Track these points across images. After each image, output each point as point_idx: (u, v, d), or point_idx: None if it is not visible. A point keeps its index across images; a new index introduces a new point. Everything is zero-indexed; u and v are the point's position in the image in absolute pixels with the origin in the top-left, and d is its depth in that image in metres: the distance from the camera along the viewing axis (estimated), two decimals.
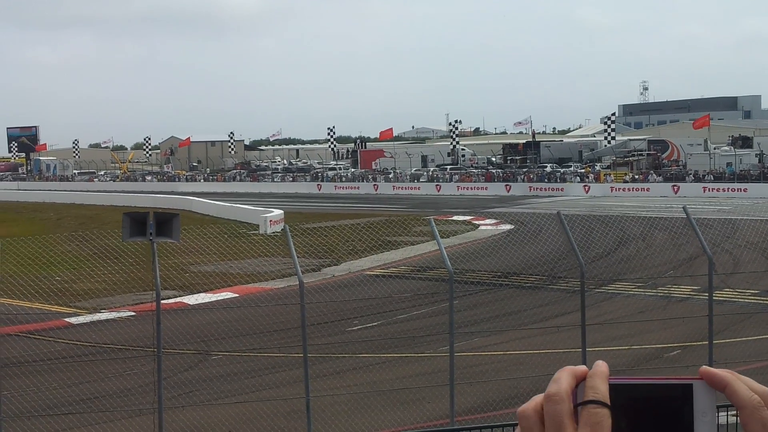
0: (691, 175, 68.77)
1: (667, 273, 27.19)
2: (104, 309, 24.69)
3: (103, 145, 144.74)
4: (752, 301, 22.75)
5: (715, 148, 76.51)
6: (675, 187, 65.60)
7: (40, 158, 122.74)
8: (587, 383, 1.04)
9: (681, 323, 18.28)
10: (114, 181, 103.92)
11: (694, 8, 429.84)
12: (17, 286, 20.46)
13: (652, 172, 71.81)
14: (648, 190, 66.65)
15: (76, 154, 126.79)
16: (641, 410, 1.04)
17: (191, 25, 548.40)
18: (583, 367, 1.06)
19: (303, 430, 11.83)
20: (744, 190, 61.80)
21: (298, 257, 13.41)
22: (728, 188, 63.65)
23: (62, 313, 24.06)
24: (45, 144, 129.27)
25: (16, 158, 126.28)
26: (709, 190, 63.60)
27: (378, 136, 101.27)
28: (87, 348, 20.27)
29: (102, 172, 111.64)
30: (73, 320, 23.63)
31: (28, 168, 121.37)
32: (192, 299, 25.95)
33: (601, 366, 1.05)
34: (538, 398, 1.05)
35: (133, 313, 23.82)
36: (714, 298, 14.29)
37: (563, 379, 1.04)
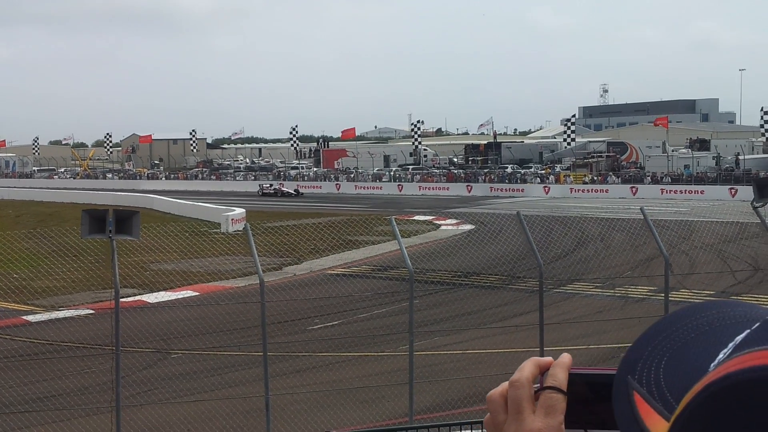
0: (649, 177, 69.60)
1: (625, 273, 27.53)
2: (63, 307, 24.48)
3: (63, 142, 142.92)
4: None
5: (673, 151, 77.45)
6: (633, 189, 66.37)
7: None
8: (549, 372, 1.13)
9: (638, 323, 18.50)
10: (74, 178, 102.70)
11: (649, 12, 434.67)
12: None
13: (611, 173, 72.58)
14: (607, 191, 67.36)
15: (36, 151, 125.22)
16: (599, 397, 1.11)
17: (150, 22, 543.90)
18: (548, 358, 1.15)
19: (262, 429, 11.86)
20: (701, 192, 62.65)
21: (259, 256, 13.43)
22: (686, 190, 64.50)
23: (20, 310, 23.83)
24: (4, 141, 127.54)
25: None
26: (666, 192, 64.43)
27: (341, 136, 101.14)
28: (45, 346, 20.09)
29: (62, 170, 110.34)
30: (31, 318, 23.40)
31: None
32: (152, 297, 25.82)
33: (563, 357, 1.14)
34: (505, 384, 1.14)
35: (92, 311, 23.64)
36: (670, 298, 14.53)
37: (526, 368, 1.14)
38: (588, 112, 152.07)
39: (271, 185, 77.70)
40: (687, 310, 0.99)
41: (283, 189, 76.33)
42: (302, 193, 75.70)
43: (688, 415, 0.85)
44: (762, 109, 79.32)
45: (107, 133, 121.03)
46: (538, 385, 1.14)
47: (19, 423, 14.21)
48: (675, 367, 0.94)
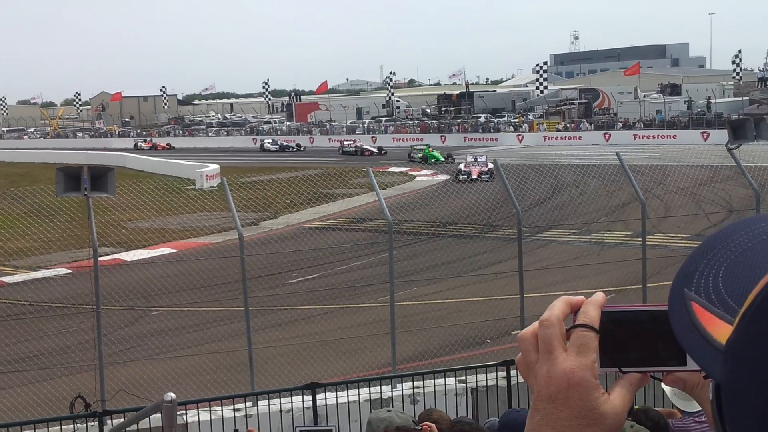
0: (621, 123, 69.78)
1: (600, 219, 27.70)
2: (40, 267, 24.33)
3: (31, 102, 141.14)
4: (683, 245, 23.30)
5: (644, 96, 77.63)
6: (606, 135, 66.57)
7: None
8: (581, 309, 1.11)
9: (615, 267, 18.71)
10: (44, 138, 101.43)
11: None
12: None
13: (583, 120, 72.71)
14: (580, 138, 67.51)
15: (4, 111, 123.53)
16: (633, 334, 1.10)
17: None
18: (579, 297, 1.13)
19: (246, 383, 11.90)
20: (673, 137, 62.92)
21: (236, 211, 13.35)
22: (658, 135, 64.78)
23: None
24: None
25: None
26: (639, 138, 64.67)
27: (314, 90, 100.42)
28: (24, 307, 20.00)
29: (32, 130, 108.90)
30: (8, 279, 23.27)
31: None
32: (129, 255, 25.71)
33: (596, 295, 1.12)
34: (536, 323, 1.13)
35: (69, 271, 23.53)
36: (646, 243, 14.62)
37: (557, 306, 1.12)
38: (559, 59, 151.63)
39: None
40: (740, 224, 0.98)
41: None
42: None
43: (756, 308, 0.86)
44: (735, 55, 79.61)
45: (76, 92, 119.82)
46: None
47: (2, 383, 14.18)
48: (735, 274, 0.93)
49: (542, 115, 77.42)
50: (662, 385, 6.25)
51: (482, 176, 39.12)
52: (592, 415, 1.07)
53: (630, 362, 1.10)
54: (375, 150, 66.35)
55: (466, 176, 39.68)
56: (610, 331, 1.09)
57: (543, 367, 1.10)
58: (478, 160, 43.36)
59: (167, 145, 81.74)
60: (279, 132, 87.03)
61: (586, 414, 1.07)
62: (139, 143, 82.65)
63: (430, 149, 56.65)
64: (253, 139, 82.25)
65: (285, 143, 75.34)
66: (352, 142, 70.03)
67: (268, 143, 75.24)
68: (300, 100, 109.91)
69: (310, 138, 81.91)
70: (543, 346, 1.11)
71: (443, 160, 53.69)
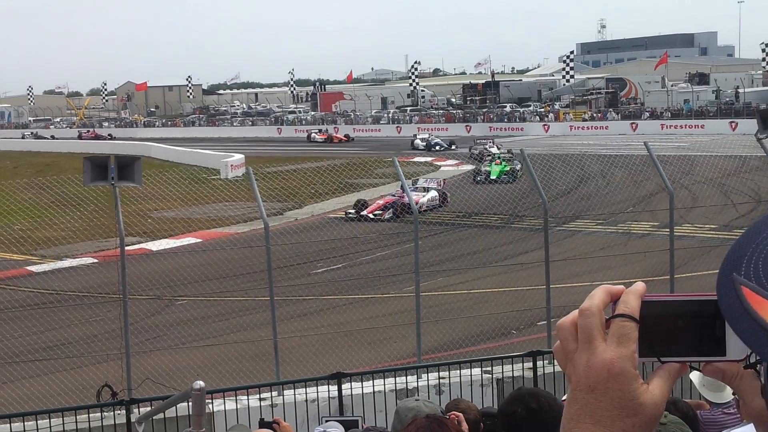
0: (649, 113, 69.23)
1: (627, 210, 27.50)
2: (66, 257, 24.48)
3: (57, 91, 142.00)
4: (711, 235, 23.11)
5: (672, 86, 76.96)
6: (633, 125, 66.07)
7: None
8: (621, 299, 1.10)
9: (642, 258, 18.55)
10: (70, 128, 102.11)
11: None
12: None
13: (610, 110, 72.20)
14: (607, 128, 67.04)
15: (31, 101, 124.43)
16: (674, 325, 1.09)
17: None
18: (619, 286, 1.12)
19: (271, 372, 11.90)
20: (701, 127, 62.32)
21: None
22: (686, 125, 64.19)
23: (24, 261, 23.85)
24: None
25: None
26: (666, 127, 64.10)
27: (338, 79, 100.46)
28: (50, 296, 20.14)
29: (58, 119, 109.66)
30: (34, 268, 23.43)
31: None
32: (155, 245, 25.81)
33: (637, 285, 1.12)
34: (575, 312, 1.12)
35: (95, 261, 23.65)
36: (674, 233, 14.47)
37: (597, 295, 1.11)
38: (586, 48, 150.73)
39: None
40: None
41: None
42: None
43: None
44: (764, 43, 78.67)
45: (103, 82, 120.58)
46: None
47: (30, 372, 14.27)
48: None
49: (568, 104, 76.96)
50: (690, 376, 6.20)
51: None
52: (632, 405, 1.07)
53: (669, 352, 1.10)
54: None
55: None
56: (650, 321, 1.09)
57: (582, 357, 1.10)
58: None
59: (345, 136, 73.26)
60: (303, 122, 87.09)
61: (625, 404, 1.07)
62: (313, 134, 74.78)
63: (498, 162, 37.91)
64: (278, 129, 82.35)
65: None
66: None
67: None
68: (325, 89, 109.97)
69: (335, 128, 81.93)
70: (583, 336, 1.10)
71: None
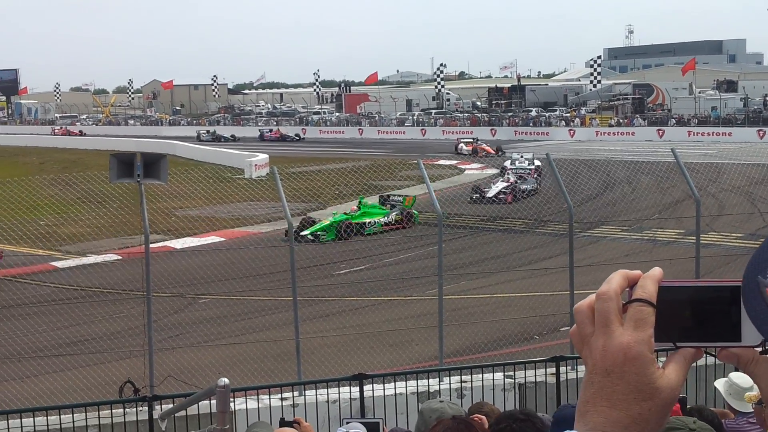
0: (676, 120, 68.76)
1: (653, 216, 27.32)
2: (90, 253, 24.61)
3: (84, 88, 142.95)
4: (737, 244, 22.89)
5: (700, 92, 76.40)
6: (660, 131, 65.64)
7: (21, 102, 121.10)
8: (638, 284, 1.12)
9: (668, 265, 18.21)
10: (96, 125, 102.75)
11: None
12: (2, 229, 20.34)
13: (637, 116, 71.76)
14: (633, 134, 66.65)
15: (58, 98, 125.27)
16: (689, 309, 1.11)
17: None
18: (637, 271, 1.14)
19: (293, 372, 11.89)
20: (728, 134, 61.80)
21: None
22: (713, 132, 63.66)
23: (48, 257, 23.99)
24: (26, 88, 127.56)
25: None
26: (693, 134, 63.64)
27: (364, 81, 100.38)
28: (75, 292, 20.26)
29: (84, 116, 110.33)
30: (59, 264, 23.57)
31: (9, 112, 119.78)
32: (178, 243, 25.90)
33: (654, 270, 1.13)
34: (592, 296, 1.14)
35: (119, 257, 23.77)
36: (700, 241, 14.34)
37: (614, 280, 1.13)
38: (613, 53, 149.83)
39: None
40: None
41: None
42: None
43: None
44: None
45: (129, 79, 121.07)
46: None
47: (54, 367, 14.35)
48: None
49: (595, 110, 76.58)
50: (715, 384, 6.14)
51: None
52: (648, 389, 1.08)
53: (684, 337, 1.11)
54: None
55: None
56: (666, 306, 1.10)
57: (599, 341, 1.11)
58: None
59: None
60: (328, 123, 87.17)
61: (642, 388, 1.08)
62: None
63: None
64: (303, 129, 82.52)
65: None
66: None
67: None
68: (350, 91, 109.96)
69: (359, 129, 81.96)
70: (600, 320, 1.11)
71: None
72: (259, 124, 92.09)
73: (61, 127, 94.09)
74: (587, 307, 1.13)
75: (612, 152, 49.99)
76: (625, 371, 1.08)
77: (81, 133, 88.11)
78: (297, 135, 78.40)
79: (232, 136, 79.10)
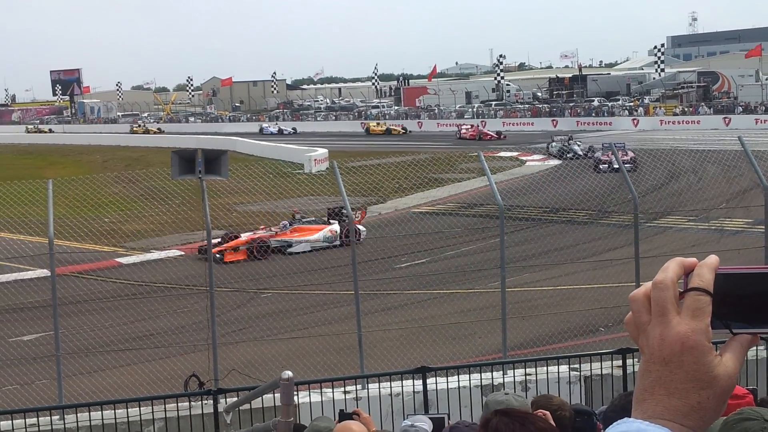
0: (742, 107, 67.33)
1: (720, 206, 26.74)
2: (153, 249, 24.93)
3: (145, 87, 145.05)
4: None
5: (766, 79, 74.71)
6: (726, 120, 64.31)
7: (84, 101, 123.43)
8: (694, 272, 1.11)
9: (736, 255, 17.95)
10: (158, 122, 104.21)
11: None
12: (68, 227, 20.67)
13: (702, 104, 70.44)
14: (698, 122, 65.43)
15: (120, 96, 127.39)
16: (745, 296, 1.09)
17: None
18: (692, 259, 1.13)
19: (355, 365, 11.85)
20: None
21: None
22: None
23: (112, 253, 24.35)
24: (88, 87, 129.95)
25: (61, 101, 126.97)
26: (761, 122, 62.22)
27: (422, 74, 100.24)
28: (139, 287, 20.51)
29: (145, 114, 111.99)
30: (123, 260, 23.91)
31: (72, 111, 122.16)
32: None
33: (710, 258, 1.12)
34: (648, 284, 1.13)
35: (181, 253, 24.03)
36: None
37: (670, 268, 1.12)
38: (677, 41, 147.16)
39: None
40: None
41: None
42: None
43: None
44: None
45: (189, 77, 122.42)
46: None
47: (120, 361, 14.55)
48: None
49: (659, 98, 75.36)
50: None
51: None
52: (706, 378, 1.08)
53: (741, 324, 1.10)
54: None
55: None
56: (723, 293, 1.09)
57: (656, 330, 1.10)
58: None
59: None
60: (387, 116, 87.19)
61: (700, 377, 1.08)
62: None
63: None
64: (362, 123, 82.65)
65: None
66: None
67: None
68: (408, 84, 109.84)
69: (419, 122, 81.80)
70: (656, 309, 1.10)
71: None
72: (318, 119, 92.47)
73: (139, 125, 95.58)
74: (643, 295, 1.12)
75: (677, 141, 49.11)
76: (683, 360, 1.08)
77: (160, 131, 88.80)
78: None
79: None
